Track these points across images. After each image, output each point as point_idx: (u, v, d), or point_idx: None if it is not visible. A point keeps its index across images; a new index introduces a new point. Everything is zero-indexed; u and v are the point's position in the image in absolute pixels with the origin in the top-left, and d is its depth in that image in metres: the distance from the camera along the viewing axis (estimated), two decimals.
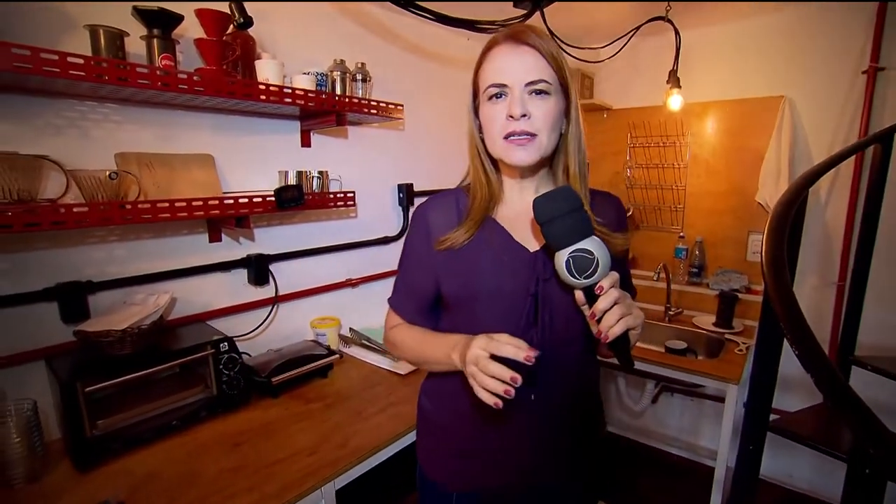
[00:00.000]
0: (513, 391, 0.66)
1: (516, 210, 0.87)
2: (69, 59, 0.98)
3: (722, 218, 2.32)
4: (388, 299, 0.99)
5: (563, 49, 1.99)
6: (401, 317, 0.97)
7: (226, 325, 1.52)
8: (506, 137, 0.77)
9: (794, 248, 1.48)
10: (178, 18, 1.22)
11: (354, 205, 1.65)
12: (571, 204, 0.67)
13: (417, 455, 1.02)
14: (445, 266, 0.87)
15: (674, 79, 2.08)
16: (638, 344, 2.35)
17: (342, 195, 1.62)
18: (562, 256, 0.67)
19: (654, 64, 2.35)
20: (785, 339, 1.15)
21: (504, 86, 0.76)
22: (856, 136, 1.93)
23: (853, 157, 1.88)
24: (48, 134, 1.16)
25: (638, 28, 2.00)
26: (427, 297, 0.93)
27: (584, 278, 0.66)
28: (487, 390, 0.68)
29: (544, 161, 0.83)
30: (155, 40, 1.20)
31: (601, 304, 0.66)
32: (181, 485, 1.04)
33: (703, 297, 2.33)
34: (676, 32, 2.02)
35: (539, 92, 0.76)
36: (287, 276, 1.69)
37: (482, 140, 0.84)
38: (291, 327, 1.74)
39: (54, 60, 0.96)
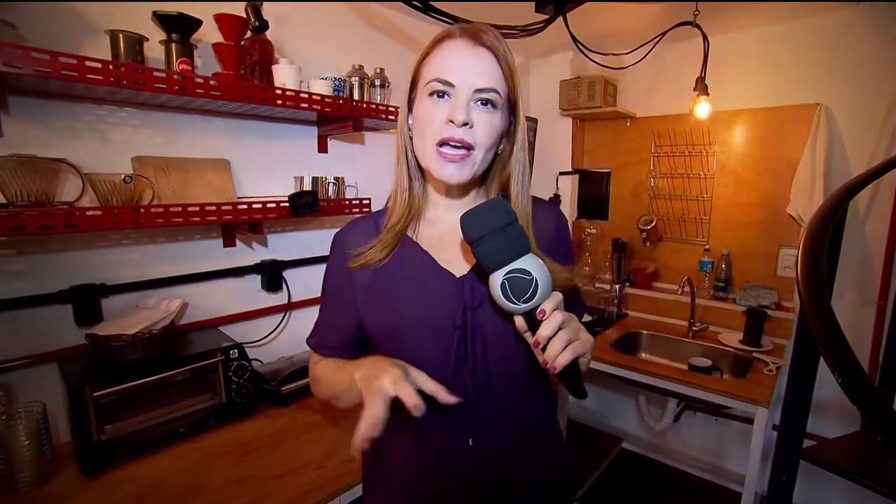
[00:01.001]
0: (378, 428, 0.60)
1: (441, 231, 0.77)
2: (87, 63, 0.98)
3: (750, 231, 2.22)
4: (307, 339, 0.89)
5: (585, 55, 1.93)
6: (322, 356, 0.86)
7: (237, 332, 1.51)
8: (440, 144, 0.68)
9: (832, 264, 1.39)
10: (196, 23, 1.22)
11: (370, 211, 1.62)
12: (503, 218, 0.60)
13: (364, 496, 0.90)
14: (365, 299, 0.77)
15: (701, 86, 2.00)
16: (661, 360, 2.25)
17: (358, 202, 1.60)
18: (496, 279, 0.59)
19: (680, 70, 2.28)
20: (821, 361, 1.07)
21: (450, 84, 0.67)
22: None
23: None
24: (67, 137, 1.17)
25: (664, 33, 1.94)
26: (350, 335, 0.81)
27: (523, 302, 0.58)
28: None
29: (475, 182, 0.75)
30: (173, 45, 1.20)
31: (544, 330, 0.58)
32: (185, 494, 1.02)
33: (729, 312, 2.23)
34: (705, 38, 1.95)
35: (486, 102, 0.67)
36: (300, 282, 1.67)
37: (412, 138, 0.74)
38: (304, 335, 1.70)
39: (73, 64, 0.97)
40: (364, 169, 1.84)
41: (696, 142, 2.31)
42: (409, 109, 0.74)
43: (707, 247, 2.31)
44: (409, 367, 0.67)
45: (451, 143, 0.67)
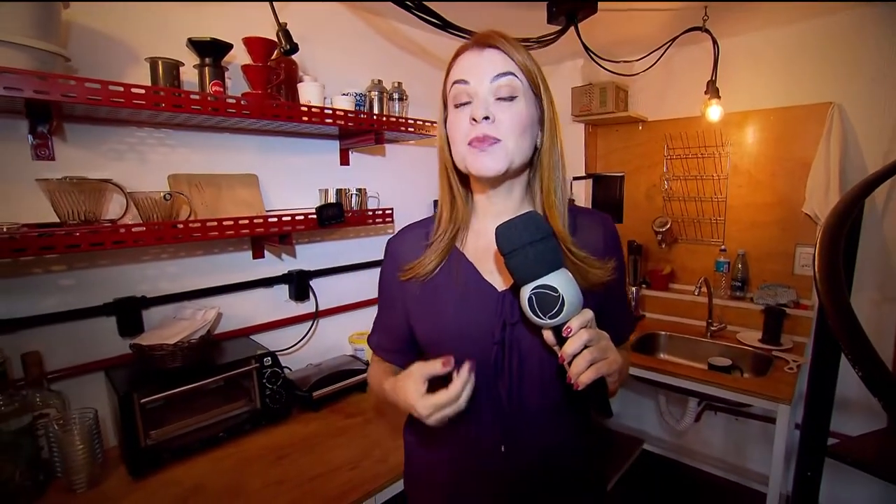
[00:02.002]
0: (466, 395, 0.66)
1: (487, 240, 0.77)
2: (132, 90, 1.05)
3: (766, 230, 2.23)
4: (368, 338, 0.95)
5: (597, 63, 1.98)
6: (378, 356, 0.92)
7: (267, 340, 1.57)
8: (469, 143, 0.70)
9: (849, 261, 1.41)
10: (227, 47, 1.29)
11: (392, 221, 1.68)
12: (534, 232, 0.60)
13: (406, 491, 0.96)
14: (415, 303, 0.81)
15: (713, 89, 2.03)
16: (680, 360, 2.25)
17: (381, 212, 1.66)
18: (525, 293, 0.60)
19: (690, 74, 2.31)
20: (842, 357, 1.09)
21: (467, 82, 0.70)
22: None
23: None
24: (111, 159, 1.24)
25: (674, 39, 1.98)
26: (401, 335, 0.86)
27: (549, 318, 0.59)
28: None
29: (517, 173, 0.76)
30: (206, 68, 1.27)
31: (568, 347, 0.59)
32: (227, 496, 1.07)
33: (747, 311, 2.24)
34: (714, 42, 1.98)
35: (506, 96, 0.70)
36: (326, 291, 1.73)
37: (451, 152, 0.77)
38: (329, 342, 1.77)
39: (120, 92, 1.03)
40: (385, 180, 1.90)
41: (708, 143, 2.33)
42: (445, 126, 0.77)
43: (723, 247, 2.32)
44: (416, 368, 0.71)
45: (478, 140, 0.70)
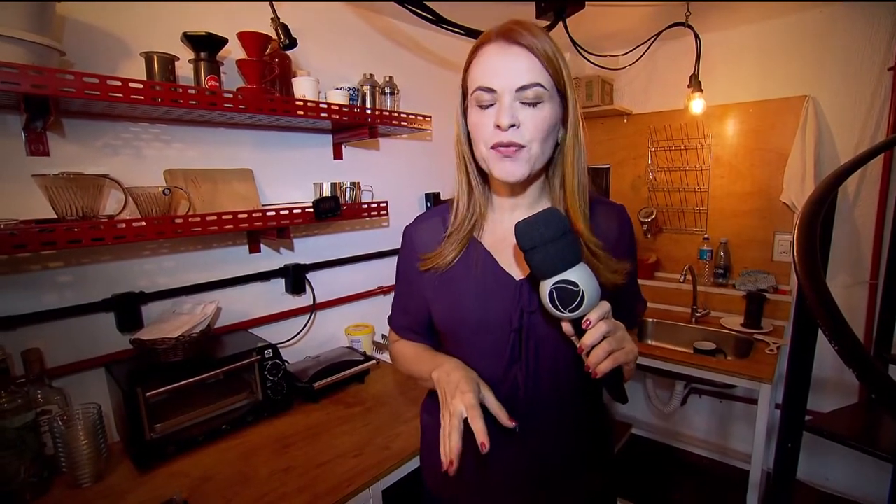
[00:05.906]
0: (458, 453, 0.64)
1: (505, 230, 0.79)
2: (131, 84, 1.05)
3: (746, 219, 2.31)
4: (388, 318, 0.97)
5: (584, 57, 2.01)
6: (398, 335, 0.95)
7: (264, 333, 1.57)
8: (492, 147, 0.70)
9: (825, 247, 1.48)
10: (222, 42, 1.29)
11: (387, 214, 1.70)
12: (555, 230, 0.61)
13: (422, 471, 0.97)
14: (433, 291, 0.83)
15: (695, 83, 2.10)
16: (667, 346, 2.32)
17: (376, 205, 1.67)
18: (545, 287, 0.62)
19: (674, 68, 2.37)
20: (817, 339, 1.16)
21: (492, 90, 0.69)
22: (883, 133, 1.93)
23: (881, 154, 1.87)
24: (107, 154, 1.24)
25: (658, 35, 2.03)
26: (421, 318, 0.88)
27: (569, 311, 0.61)
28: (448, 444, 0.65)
29: (538, 173, 0.76)
30: (202, 63, 1.27)
31: (588, 339, 0.61)
32: (236, 485, 1.09)
33: (729, 297, 2.33)
34: (696, 37, 2.04)
35: (531, 101, 0.68)
36: (322, 284, 1.74)
37: (470, 146, 0.77)
38: (326, 334, 1.79)
39: (118, 87, 1.03)
40: (378, 174, 1.91)
41: (690, 136, 2.40)
42: (465, 118, 0.77)
43: (706, 236, 2.41)
44: (480, 382, 0.71)
45: (502, 145, 0.69)
